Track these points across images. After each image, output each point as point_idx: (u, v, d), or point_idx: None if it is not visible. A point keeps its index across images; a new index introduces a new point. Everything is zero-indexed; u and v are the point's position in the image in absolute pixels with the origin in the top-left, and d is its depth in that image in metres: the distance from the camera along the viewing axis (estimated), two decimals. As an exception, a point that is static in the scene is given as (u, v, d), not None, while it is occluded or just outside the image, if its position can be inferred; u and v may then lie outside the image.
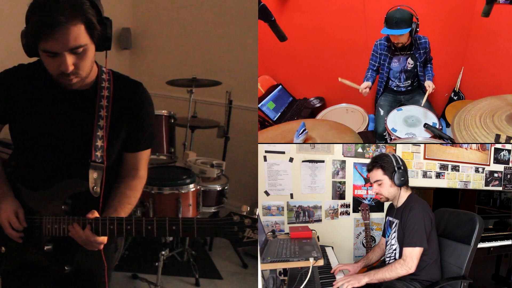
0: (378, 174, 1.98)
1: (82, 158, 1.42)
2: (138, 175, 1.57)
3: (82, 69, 1.32)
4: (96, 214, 1.38)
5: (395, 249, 2.00)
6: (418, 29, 2.56)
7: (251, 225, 1.30)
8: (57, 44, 1.24)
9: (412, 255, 1.85)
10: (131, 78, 1.52)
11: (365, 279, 1.84)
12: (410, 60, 2.74)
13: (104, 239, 1.38)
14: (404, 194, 2.00)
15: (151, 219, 1.33)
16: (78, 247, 1.43)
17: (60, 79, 1.33)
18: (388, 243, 2.08)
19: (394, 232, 2.00)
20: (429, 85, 2.65)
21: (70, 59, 1.27)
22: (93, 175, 1.42)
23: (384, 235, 2.22)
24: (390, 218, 2.08)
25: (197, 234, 1.30)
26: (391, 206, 2.12)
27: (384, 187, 1.98)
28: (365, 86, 2.71)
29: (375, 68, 2.81)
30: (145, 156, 1.58)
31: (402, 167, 1.97)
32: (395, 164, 1.96)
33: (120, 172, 1.56)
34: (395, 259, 1.99)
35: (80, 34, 1.26)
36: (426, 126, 2.43)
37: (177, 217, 1.34)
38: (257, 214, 1.34)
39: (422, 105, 2.61)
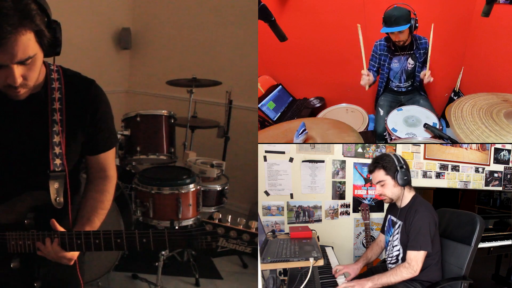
0: (380, 174, 1.96)
1: (40, 168, 1.33)
2: (107, 176, 1.49)
3: (30, 80, 1.22)
4: (57, 224, 1.31)
5: (398, 250, 1.98)
6: (417, 25, 2.56)
7: (224, 234, 1.24)
8: (4, 56, 1.12)
9: (417, 259, 1.84)
10: (83, 75, 1.41)
11: (368, 284, 1.82)
12: (410, 60, 2.73)
13: (74, 254, 1.32)
14: (408, 195, 1.98)
15: (120, 232, 1.27)
16: (47, 261, 1.35)
17: (7, 91, 1.23)
18: (389, 243, 2.06)
19: (397, 233, 1.99)
20: (425, 73, 2.62)
21: (18, 71, 1.17)
22: (54, 185, 1.32)
23: (383, 231, 2.21)
24: (393, 218, 2.06)
25: (169, 246, 1.25)
26: (393, 204, 2.09)
27: (387, 187, 1.96)
28: (367, 73, 2.66)
29: (375, 69, 2.80)
30: (110, 156, 1.49)
31: (404, 166, 1.94)
32: (397, 163, 1.94)
33: (88, 176, 1.49)
34: (397, 260, 1.99)
35: (29, 44, 1.14)
36: (426, 126, 2.43)
37: (148, 231, 1.26)
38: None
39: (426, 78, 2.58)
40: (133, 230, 1.26)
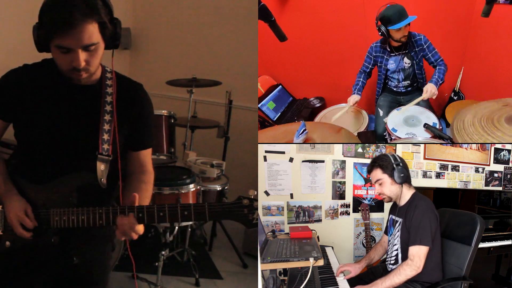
0: (377, 173, 1.98)
1: (88, 151, 1.47)
2: (147, 171, 1.64)
3: (92, 66, 1.40)
4: (138, 199, 1.43)
5: (396, 249, 1.98)
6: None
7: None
8: (72, 41, 1.31)
9: (420, 254, 1.82)
10: (133, 80, 1.60)
11: None
12: (406, 60, 2.73)
13: (141, 228, 1.42)
14: (407, 193, 1.98)
15: (163, 206, 1.39)
16: (84, 238, 1.49)
17: (71, 74, 1.40)
18: (390, 242, 2.06)
19: (398, 231, 1.98)
20: (426, 90, 2.52)
21: (82, 56, 1.34)
22: (100, 167, 1.46)
23: (386, 232, 2.20)
24: (393, 217, 2.05)
25: (209, 218, 1.39)
26: (394, 204, 2.09)
27: (385, 186, 1.97)
28: (352, 103, 2.75)
29: (368, 70, 2.82)
30: (148, 154, 1.66)
31: (401, 164, 1.96)
32: (393, 161, 1.95)
33: (128, 171, 1.62)
34: (396, 259, 1.98)
35: (94, 32, 1.33)
36: (426, 126, 2.43)
37: (189, 204, 1.42)
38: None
39: (413, 104, 2.55)
40: (175, 204, 1.40)
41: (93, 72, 1.44)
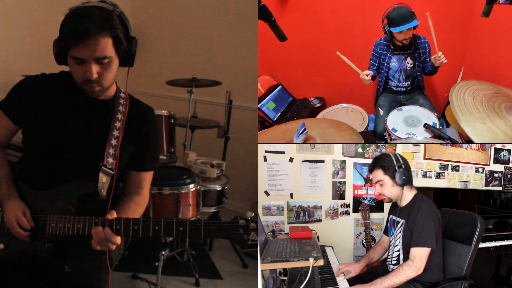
0: (379, 174, 1.95)
1: (93, 162, 1.49)
2: (142, 193, 1.65)
3: (105, 79, 1.43)
4: (115, 215, 1.42)
5: (398, 250, 1.97)
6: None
7: (255, 229, 1.39)
8: (86, 52, 1.35)
9: (421, 255, 1.81)
10: (144, 103, 1.65)
11: None
12: (409, 60, 2.74)
13: (118, 240, 1.42)
14: (409, 194, 1.97)
15: (159, 220, 1.39)
16: (76, 246, 1.49)
17: (84, 86, 1.43)
18: (391, 243, 2.05)
19: (399, 232, 1.96)
20: (435, 57, 2.58)
21: (95, 68, 1.38)
22: (102, 178, 1.49)
23: (386, 233, 2.20)
24: (394, 217, 2.04)
25: (204, 236, 1.38)
26: (394, 205, 2.08)
27: (386, 187, 1.95)
28: (366, 73, 2.69)
29: (375, 68, 2.82)
30: (148, 177, 1.67)
31: (403, 166, 1.93)
32: (395, 163, 1.92)
33: (124, 189, 1.64)
34: (397, 260, 1.97)
35: (107, 46, 1.38)
36: (426, 126, 2.43)
37: (185, 220, 1.44)
38: (257, 215, 1.37)
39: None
40: (171, 219, 1.40)
41: (106, 87, 1.47)
